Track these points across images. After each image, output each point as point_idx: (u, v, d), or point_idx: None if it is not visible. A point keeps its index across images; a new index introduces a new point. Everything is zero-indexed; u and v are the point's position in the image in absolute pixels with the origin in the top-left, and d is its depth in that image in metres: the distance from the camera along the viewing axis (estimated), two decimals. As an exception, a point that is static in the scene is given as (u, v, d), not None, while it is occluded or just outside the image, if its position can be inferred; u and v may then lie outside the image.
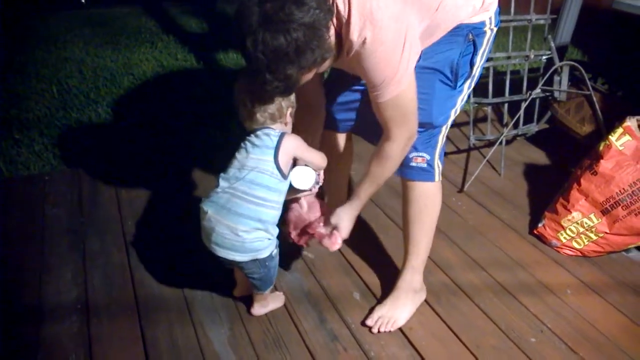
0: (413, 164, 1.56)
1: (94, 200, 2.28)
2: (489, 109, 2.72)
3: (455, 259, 2.01)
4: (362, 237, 2.07)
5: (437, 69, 1.44)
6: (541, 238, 2.10)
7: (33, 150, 2.64)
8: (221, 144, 2.70)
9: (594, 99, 2.36)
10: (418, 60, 1.32)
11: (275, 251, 1.55)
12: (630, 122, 1.91)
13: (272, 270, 1.58)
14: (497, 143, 2.48)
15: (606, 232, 1.92)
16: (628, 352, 1.64)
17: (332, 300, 1.80)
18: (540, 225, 2.09)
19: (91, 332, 1.63)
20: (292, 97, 1.46)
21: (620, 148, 1.89)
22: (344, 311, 1.75)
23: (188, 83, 3.50)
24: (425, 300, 1.80)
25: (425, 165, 1.56)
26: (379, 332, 1.66)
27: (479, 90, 2.63)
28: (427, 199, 1.63)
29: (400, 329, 1.69)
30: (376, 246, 2.07)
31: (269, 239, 1.49)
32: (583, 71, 2.39)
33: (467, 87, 1.54)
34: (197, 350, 1.59)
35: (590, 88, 2.39)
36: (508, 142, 2.73)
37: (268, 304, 1.71)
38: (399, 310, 1.70)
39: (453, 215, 2.27)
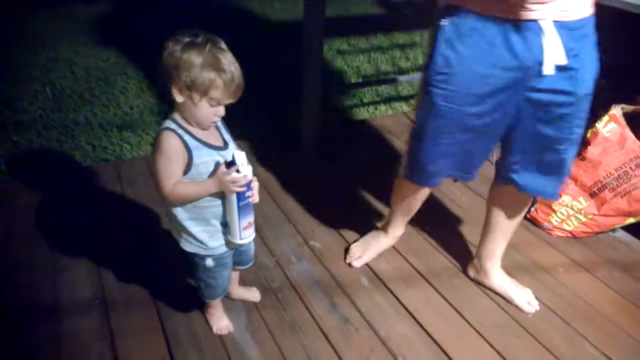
0: None
1: (101, 196, 2.33)
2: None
3: (454, 243, 2.12)
4: (365, 226, 2.16)
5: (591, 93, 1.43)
6: (534, 222, 2.22)
7: (32, 150, 2.67)
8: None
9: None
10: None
11: (197, 262, 1.47)
12: (616, 110, 2.03)
13: (200, 282, 1.53)
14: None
15: (595, 214, 2.05)
16: (616, 322, 1.78)
17: (341, 286, 1.89)
18: (532, 209, 2.21)
19: (112, 326, 1.69)
20: (184, 74, 1.21)
21: (607, 135, 2.01)
22: (354, 296, 1.85)
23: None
24: (428, 282, 1.91)
25: None
26: None
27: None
28: None
29: (407, 309, 1.79)
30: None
31: (179, 235, 1.45)
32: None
33: None
34: (217, 337, 1.66)
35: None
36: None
37: (212, 315, 1.69)
38: None
39: (451, 204, 2.38)
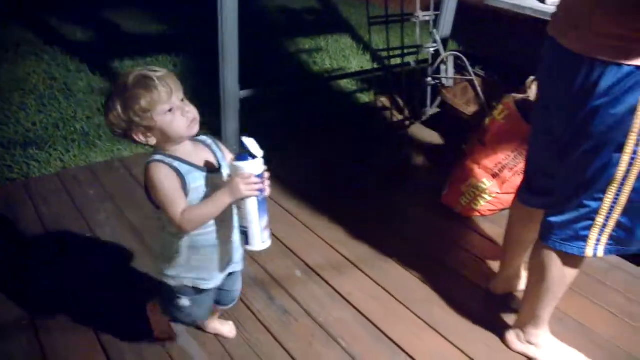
0: None
1: (14, 216, 2.20)
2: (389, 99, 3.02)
3: (380, 234, 2.25)
4: (296, 224, 2.23)
5: None
6: (446, 204, 2.41)
7: None
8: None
9: (476, 83, 2.75)
10: None
11: (174, 299, 1.42)
12: (508, 99, 2.28)
13: (173, 315, 1.50)
14: (401, 127, 2.78)
15: (497, 193, 2.28)
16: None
17: (277, 281, 1.94)
18: (444, 193, 2.41)
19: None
20: (137, 120, 1.18)
21: (502, 121, 2.25)
22: (290, 289, 1.91)
23: (88, 93, 3.40)
24: (359, 268, 2.02)
25: None
26: None
27: (378, 82, 2.92)
28: None
29: (341, 295, 1.89)
30: (308, 230, 2.25)
31: (167, 267, 1.37)
32: (465, 60, 2.77)
33: None
34: (159, 345, 1.64)
35: (472, 74, 2.78)
36: (407, 126, 3.05)
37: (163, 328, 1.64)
38: None
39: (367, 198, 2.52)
